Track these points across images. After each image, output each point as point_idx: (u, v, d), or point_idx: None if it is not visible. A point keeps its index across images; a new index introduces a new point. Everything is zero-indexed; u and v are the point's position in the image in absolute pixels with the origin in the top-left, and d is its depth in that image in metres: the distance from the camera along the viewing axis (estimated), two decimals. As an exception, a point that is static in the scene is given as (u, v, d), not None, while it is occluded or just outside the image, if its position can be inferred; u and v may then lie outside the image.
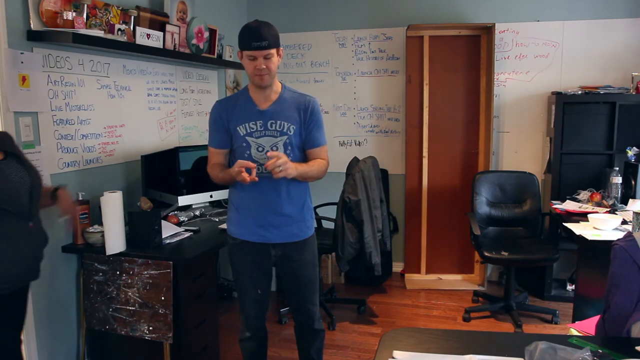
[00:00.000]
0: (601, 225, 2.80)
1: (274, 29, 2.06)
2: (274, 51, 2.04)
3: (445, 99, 4.12)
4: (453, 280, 4.24)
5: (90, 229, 2.45)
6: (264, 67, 2.03)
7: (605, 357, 1.26)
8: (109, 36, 2.51)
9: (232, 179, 2.07)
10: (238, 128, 2.11)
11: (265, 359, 2.44)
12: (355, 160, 3.39)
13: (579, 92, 3.67)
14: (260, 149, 2.11)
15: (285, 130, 2.12)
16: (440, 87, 4.12)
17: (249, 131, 2.11)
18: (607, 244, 2.36)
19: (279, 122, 2.11)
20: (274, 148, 2.11)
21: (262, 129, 2.10)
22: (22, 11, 2.19)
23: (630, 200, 3.24)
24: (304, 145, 2.18)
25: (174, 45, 3.07)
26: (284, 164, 1.97)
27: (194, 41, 3.30)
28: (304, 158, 2.20)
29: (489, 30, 3.91)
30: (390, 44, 4.24)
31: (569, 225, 2.90)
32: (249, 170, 1.99)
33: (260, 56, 2.01)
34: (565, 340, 1.36)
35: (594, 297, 2.69)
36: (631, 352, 1.31)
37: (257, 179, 2.00)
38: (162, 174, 3.01)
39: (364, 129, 4.38)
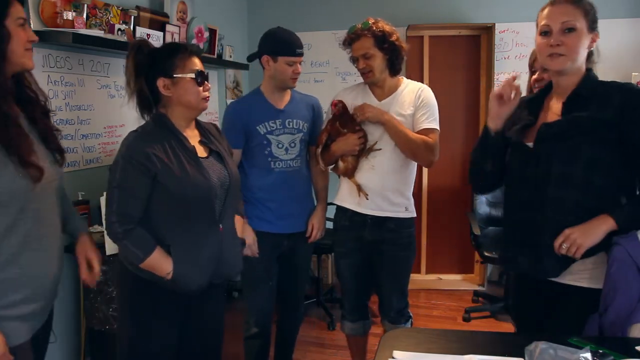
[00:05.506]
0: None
1: None
2: None
3: (445, 99, 4.10)
4: (453, 280, 4.24)
5: (90, 229, 2.45)
6: (299, 71, 2.27)
7: (605, 357, 1.26)
8: (109, 36, 2.51)
9: None
10: (258, 127, 2.24)
11: (267, 356, 2.44)
12: (355, 160, 3.39)
13: (579, 92, 3.67)
14: (280, 145, 2.26)
15: (300, 127, 2.31)
16: (440, 87, 4.08)
17: (269, 129, 2.25)
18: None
19: (295, 120, 2.29)
20: (292, 144, 2.29)
21: (281, 127, 2.27)
22: (22, 11, 2.19)
23: (630, 200, 3.23)
24: (311, 141, 2.38)
25: (174, 45, 3.07)
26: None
27: (194, 41, 3.30)
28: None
29: (489, 30, 3.91)
30: (390, 44, 4.22)
31: (568, 225, 2.90)
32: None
33: (299, 62, 2.26)
34: (565, 340, 1.35)
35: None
36: (631, 352, 1.31)
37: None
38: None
39: (364, 129, 4.37)
